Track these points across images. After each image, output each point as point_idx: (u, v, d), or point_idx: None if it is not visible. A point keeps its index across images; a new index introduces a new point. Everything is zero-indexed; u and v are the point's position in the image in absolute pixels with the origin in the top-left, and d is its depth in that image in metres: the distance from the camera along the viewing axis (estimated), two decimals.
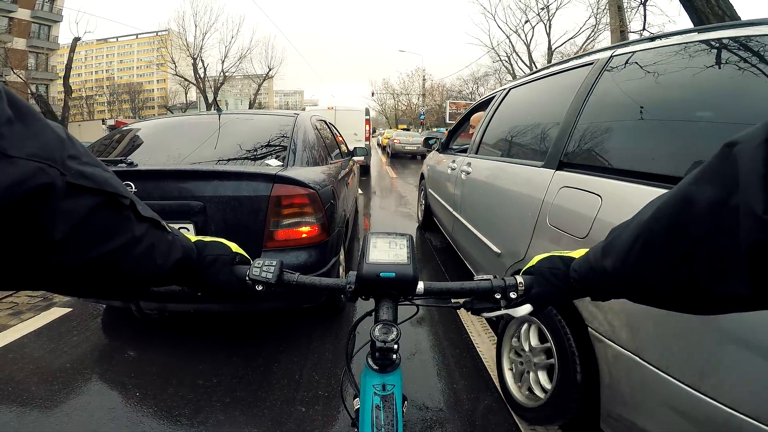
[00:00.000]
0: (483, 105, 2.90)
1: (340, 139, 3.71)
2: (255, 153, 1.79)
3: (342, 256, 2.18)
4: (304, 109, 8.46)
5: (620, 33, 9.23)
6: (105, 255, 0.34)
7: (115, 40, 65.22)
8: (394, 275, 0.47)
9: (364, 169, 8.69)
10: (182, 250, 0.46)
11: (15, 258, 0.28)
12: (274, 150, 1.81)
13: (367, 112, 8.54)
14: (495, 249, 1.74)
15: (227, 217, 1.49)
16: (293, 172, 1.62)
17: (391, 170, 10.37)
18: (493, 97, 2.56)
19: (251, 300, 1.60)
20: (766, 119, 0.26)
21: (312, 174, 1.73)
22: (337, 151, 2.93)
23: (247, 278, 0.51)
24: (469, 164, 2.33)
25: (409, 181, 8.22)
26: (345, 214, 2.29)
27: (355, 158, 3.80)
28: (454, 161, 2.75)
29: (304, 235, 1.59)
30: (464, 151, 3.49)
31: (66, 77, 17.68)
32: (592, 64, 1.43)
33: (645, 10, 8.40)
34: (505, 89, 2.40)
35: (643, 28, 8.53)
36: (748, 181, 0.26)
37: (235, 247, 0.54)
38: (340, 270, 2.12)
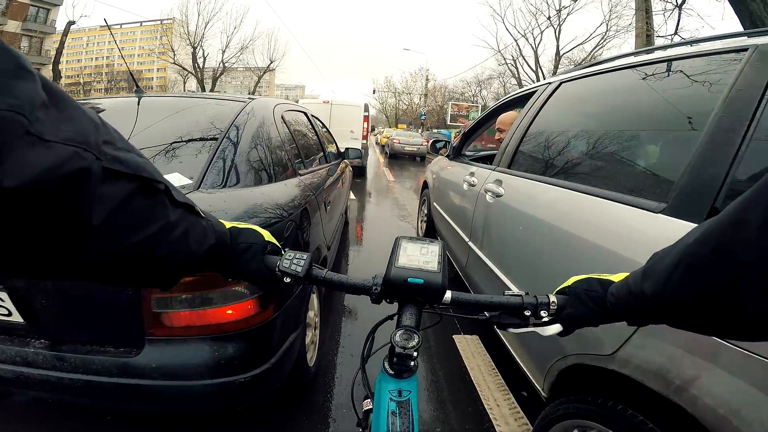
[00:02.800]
0: (514, 103, 2.23)
1: (327, 137, 3.04)
2: (156, 162, 1.08)
3: (312, 333, 1.51)
4: (297, 101, 7.75)
5: (646, 37, 8.61)
6: (143, 241, 0.34)
7: (118, 27, 64.22)
8: (422, 282, 0.47)
9: (360, 171, 7.99)
10: (216, 236, 0.46)
11: (56, 244, 0.28)
12: (192, 156, 1.11)
13: (366, 108, 7.79)
14: None
15: (67, 285, 0.83)
16: (209, 200, 0.96)
17: (389, 172, 9.68)
18: (531, 92, 1.89)
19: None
20: None
21: (253, 199, 1.06)
22: (321, 154, 2.27)
23: (277, 269, 0.50)
24: (498, 182, 1.67)
25: (407, 186, 7.55)
26: (326, 244, 1.63)
27: (347, 160, 3.15)
28: (472, 174, 2.08)
29: (228, 313, 0.92)
30: (486, 160, 2.80)
31: (55, 62, 16.91)
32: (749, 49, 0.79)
33: (680, 12, 7.75)
34: (549, 83, 1.73)
35: (675, 32, 7.88)
36: None
37: (267, 235, 0.53)
38: (312, 352, 1.49)
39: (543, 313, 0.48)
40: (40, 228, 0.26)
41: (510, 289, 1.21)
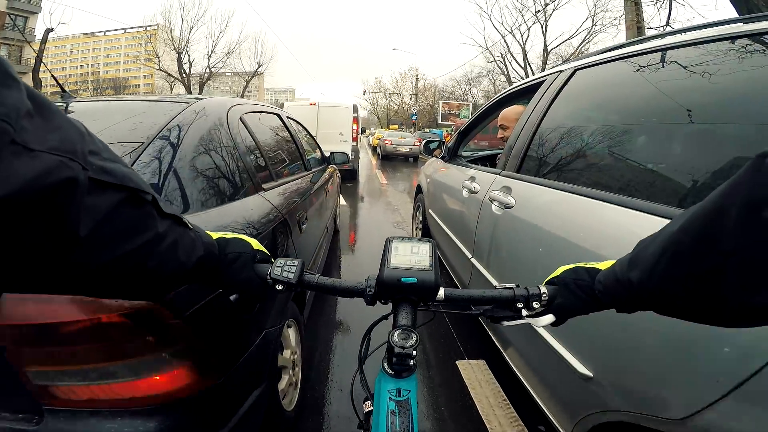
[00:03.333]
0: (516, 96, 1.96)
1: (310, 141, 2.77)
2: None
3: (291, 374, 1.26)
4: (283, 105, 7.41)
5: (637, 29, 8.45)
6: (131, 252, 0.34)
7: (102, 34, 63.28)
8: (415, 281, 0.47)
9: (351, 174, 7.70)
10: (204, 247, 0.45)
11: (43, 256, 0.27)
12: None
13: (355, 109, 7.47)
14: (579, 368, 0.84)
15: None
16: None
17: (382, 174, 9.40)
18: (537, 83, 1.63)
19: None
20: None
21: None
22: (299, 162, 1.98)
23: (268, 277, 0.49)
24: (506, 190, 1.40)
25: (400, 188, 7.29)
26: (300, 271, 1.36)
27: (334, 165, 2.88)
28: (473, 179, 1.82)
29: (153, 383, 0.65)
30: (485, 161, 2.49)
31: (35, 70, 16.36)
32: None
33: (671, 3, 7.58)
34: (560, 71, 1.48)
35: (667, 23, 7.71)
36: None
37: (256, 243, 0.52)
38: (291, 395, 1.27)
39: (535, 304, 0.49)
40: (27, 239, 0.26)
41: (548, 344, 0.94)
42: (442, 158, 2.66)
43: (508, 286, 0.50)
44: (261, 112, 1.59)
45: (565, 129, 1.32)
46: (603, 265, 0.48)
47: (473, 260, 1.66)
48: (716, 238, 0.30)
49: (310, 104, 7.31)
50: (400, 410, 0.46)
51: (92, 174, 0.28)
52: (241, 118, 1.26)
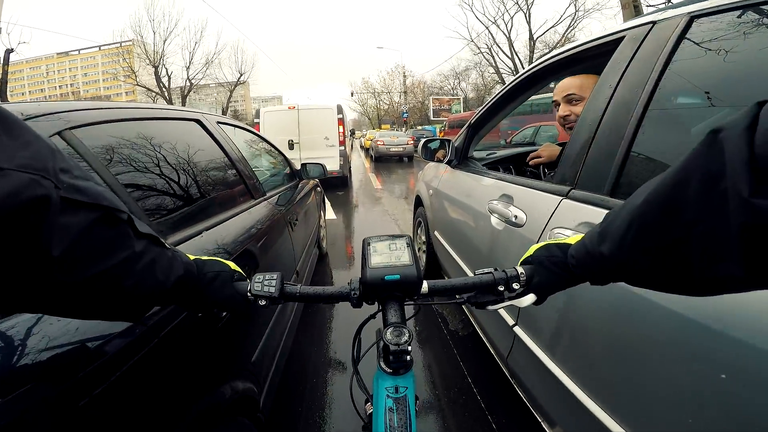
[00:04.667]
0: (566, 65, 1.26)
1: (266, 153, 2.13)
2: None
3: None
4: (258, 111, 6.68)
5: (634, 8, 7.86)
6: (106, 271, 0.33)
7: (77, 52, 62.01)
8: (399, 277, 0.47)
9: (342, 181, 7.04)
10: (183, 267, 0.45)
11: (15, 277, 0.27)
12: None
13: (340, 110, 6.72)
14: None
15: None
16: None
17: (376, 178, 8.75)
18: (612, 42, 1.00)
19: None
20: (749, 106, 0.26)
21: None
22: (241, 187, 1.28)
23: (249, 293, 0.49)
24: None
25: (396, 194, 6.66)
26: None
27: (311, 178, 2.25)
28: (508, 199, 1.20)
29: None
30: (507, 164, 1.84)
31: (1, 92, 15.53)
32: None
33: None
34: (658, 21, 0.86)
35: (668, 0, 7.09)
36: (733, 166, 0.26)
37: (232, 265, 0.52)
38: None
39: (515, 285, 0.49)
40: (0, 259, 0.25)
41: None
42: (449, 162, 2.01)
43: (486, 270, 0.51)
44: (143, 119, 0.90)
45: (703, 110, 0.70)
46: (572, 240, 0.49)
47: (518, 330, 1.04)
48: (679, 208, 0.31)
49: (289, 108, 6.59)
50: (397, 407, 0.46)
51: (65, 193, 0.27)
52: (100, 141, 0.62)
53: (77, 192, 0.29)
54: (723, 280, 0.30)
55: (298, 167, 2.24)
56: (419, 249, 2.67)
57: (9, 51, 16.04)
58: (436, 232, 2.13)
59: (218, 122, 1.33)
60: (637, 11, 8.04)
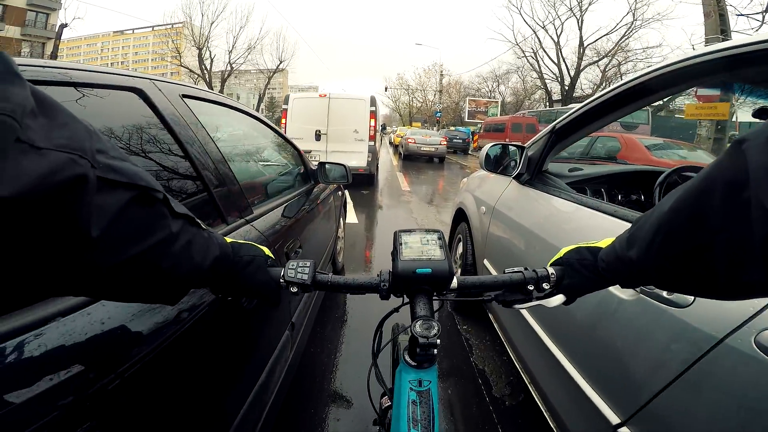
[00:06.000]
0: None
1: (274, 147, 1.66)
2: None
3: None
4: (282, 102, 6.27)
5: (719, 16, 6.85)
6: (144, 252, 0.33)
7: (131, 32, 65.03)
8: (430, 271, 0.47)
9: (368, 179, 6.54)
10: (219, 248, 0.45)
11: (55, 259, 0.27)
12: None
13: (373, 102, 6.16)
14: None
15: None
16: None
17: (404, 178, 8.21)
18: None
19: None
20: None
21: None
22: (206, 201, 0.79)
23: (282, 280, 0.49)
24: None
25: (426, 198, 6.12)
26: None
27: (333, 183, 1.78)
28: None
29: None
30: (602, 187, 1.46)
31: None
32: None
33: None
34: None
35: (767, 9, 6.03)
36: (756, 176, 0.27)
37: (266, 250, 0.52)
38: None
39: (545, 285, 0.50)
40: (38, 240, 0.25)
41: None
42: (517, 177, 1.50)
43: (516, 269, 0.51)
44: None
45: None
46: (603, 243, 0.50)
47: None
48: (704, 216, 0.31)
49: (320, 96, 6.14)
50: (421, 400, 0.46)
51: (101, 173, 0.27)
52: None
53: (113, 171, 0.29)
54: (747, 286, 0.31)
55: (321, 165, 1.75)
56: (457, 262, 2.19)
57: (63, 26, 16.68)
58: (486, 261, 1.68)
59: (183, 96, 0.86)
60: (723, 20, 7.03)
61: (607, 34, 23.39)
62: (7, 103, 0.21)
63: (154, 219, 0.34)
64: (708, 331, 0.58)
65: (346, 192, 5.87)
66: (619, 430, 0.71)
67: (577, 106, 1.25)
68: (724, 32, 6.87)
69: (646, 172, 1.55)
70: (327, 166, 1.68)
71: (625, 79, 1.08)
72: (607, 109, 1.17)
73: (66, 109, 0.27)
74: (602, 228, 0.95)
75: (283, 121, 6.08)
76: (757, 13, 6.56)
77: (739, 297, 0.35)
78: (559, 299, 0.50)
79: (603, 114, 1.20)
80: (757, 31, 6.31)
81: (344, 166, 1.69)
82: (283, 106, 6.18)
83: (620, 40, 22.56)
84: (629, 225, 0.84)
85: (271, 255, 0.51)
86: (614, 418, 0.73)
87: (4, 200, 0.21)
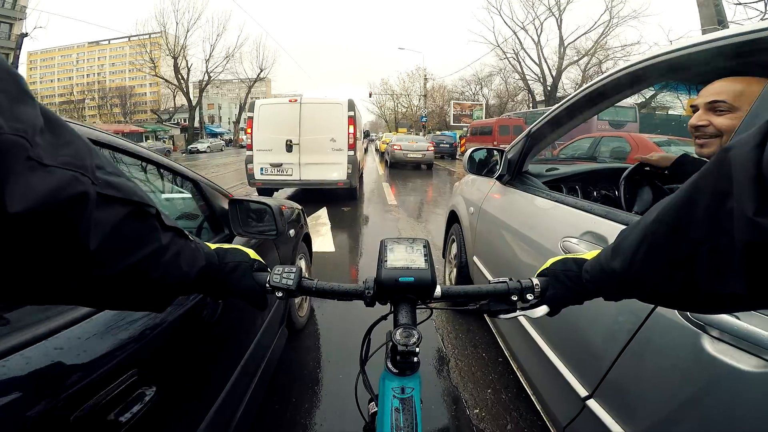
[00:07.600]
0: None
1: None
2: None
3: None
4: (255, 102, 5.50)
5: (714, 6, 6.48)
6: (136, 264, 0.34)
7: (107, 42, 63.32)
8: (413, 280, 0.48)
9: (350, 194, 5.84)
10: (205, 257, 0.47)
11: (55, 269, 0.28)
12: None
13: (352, 106, 5.48)
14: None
15: None
16: None
17: (390, 189, 7.55)
18: None
19: None
20: (759, 125, 0.26)
21: None
22: None
23: (267, 285, 0.50)
24: None
25: (414, 212, 5.48)
26: None
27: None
28: (595, 245, 0.93)
29: None
30: (575, 185, 1.60)
31: None
32: None
33: None
34: None
35: None
36: (740, 184, 0.26)
37: (252, 254, 0.53)
38: None
39: (529, 296, 0.50)
40: (42, 253, 0.26)
41: None
42: (499, 178, 1.58)
43: (501, 279, 0.51)
44: None
45: None
46: (589, 255, 0.50)
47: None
48: (688, 226, 0.31)
49: (290, 101, 5.44)
50: (404, 407, 0.46)
51: (100, 189, 0.29)
52: None
53: (111, 188, 0.30)
54: (726, 299, 0.31)
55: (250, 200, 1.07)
56: (450, 273, 2.33)
57: (23, 35, 15.69)
58: (475, 258, 1.78)
59: None
60: (718, 9, 6.67)
61: (585, 33, 23.53)
62: (20, 124, 0.23)
63: (147, 232, 0.35)
64: None
65: (324, 214, 5.03)
66: (587, 401, 0.80)
67: (551, 110, 1.30)
68: (721, 22, 6.48)
69: (615, 169, 1.63)
70: (243, 205, 1.00)
71: (590, 82, 1.12)
72: (575, 112, 1.24)
73: (69, 126, 0.28)
74: (577, 220, 1.00)
75: (249, 130, 5.36)
76: (756, 1, 6.17)
77: (717, 310, 0.36)
78: (542, 310, 0.50)
79: (573, 116, 1.26)
80: (761, 19, 5.92)
81: (270, 207, 1.01)
82: (248, 114, 5.45)
83: (599, 38, 22.67)
84: (597, 218, 0.88)
85: (258, 258, 0.52)
86: (582, 391, 0.83)
87: (17, 216, 0.23)
